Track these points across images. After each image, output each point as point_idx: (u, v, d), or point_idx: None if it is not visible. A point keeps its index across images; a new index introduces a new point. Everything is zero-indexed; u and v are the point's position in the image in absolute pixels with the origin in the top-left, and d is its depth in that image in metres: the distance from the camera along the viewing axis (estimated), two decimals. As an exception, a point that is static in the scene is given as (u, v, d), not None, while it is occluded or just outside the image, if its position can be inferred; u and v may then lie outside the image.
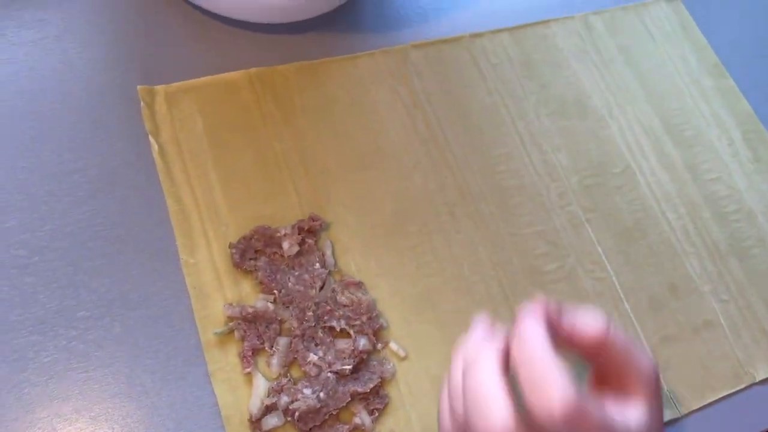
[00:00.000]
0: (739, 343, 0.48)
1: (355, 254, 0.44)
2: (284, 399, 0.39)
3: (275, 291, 0.41)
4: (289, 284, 0.42)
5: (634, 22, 0.58)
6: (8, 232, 0.40)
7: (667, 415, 0.44)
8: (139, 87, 0.46)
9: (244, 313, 0.40)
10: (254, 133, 0.47)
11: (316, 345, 0.40)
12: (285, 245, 0.42)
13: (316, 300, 0.41)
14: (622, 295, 0.47)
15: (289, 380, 0.39)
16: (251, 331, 0.40)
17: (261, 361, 0.40)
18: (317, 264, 0.42)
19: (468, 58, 0.53)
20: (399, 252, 0.45)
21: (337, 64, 0.50)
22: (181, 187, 0.44)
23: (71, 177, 0.43)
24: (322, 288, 0.42)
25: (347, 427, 0.39)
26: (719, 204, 0.52)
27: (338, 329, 0.41)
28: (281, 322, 0.41)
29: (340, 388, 0.39)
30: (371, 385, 0.40)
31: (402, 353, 0.42)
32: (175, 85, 0.47)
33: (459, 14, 0.55)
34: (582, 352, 0.32)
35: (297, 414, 0.38)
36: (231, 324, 0.40)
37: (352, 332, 0.41)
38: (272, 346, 0.40)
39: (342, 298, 0.42)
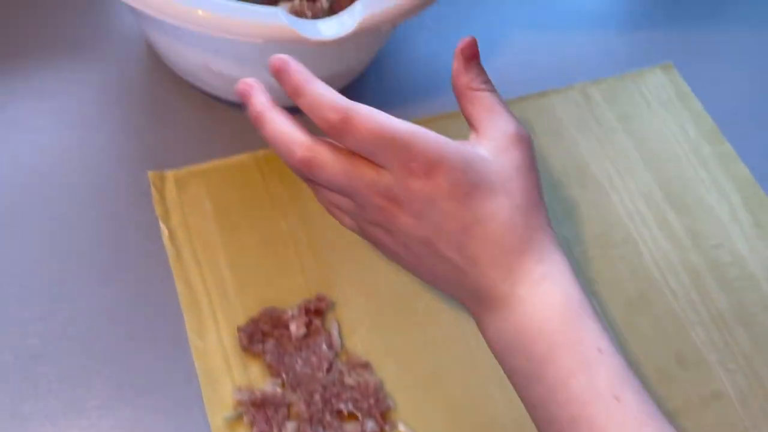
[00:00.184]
0: (747, 413, 0.47)
1: (363, 333, 0.45)
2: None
3: (283, 374, 0.42)
4: (297, 367, 0.42)
5: (631, 91, 0.60)
6: (22, 322, 0.41)
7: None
8: (149, 173, 0.47)
9: (252, 398, 0.41)
10: (262, 214, 0.48)
11: (324, 429, 0.41)
12: (292, 327, 0.43)
13: (324, 383, 0.42)
14: (628, 368, 0.47)
15: (298, 465, 0.40)
16: (260, 416, 0.41)
17: (270, 445, 0.41)
18: (324, 345, 0.43)
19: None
20: (406, 329, 0.46)
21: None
22: (191, 271, 0.45)
23: (83, 264, 0.44)
24: (329, 370, 0.42)
25: None
26: (722, 271, 0.52)
27: (346, 412, 0.41)
28: (289, 405, 0.41)
29: (349, 472, 0.40)
30: (380, 468, 0.40)
31: (410, 434, 0.42)
32: (184, 169, 0.48)
33: (459, 89, 0.57)
34: None
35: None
36: (240, 409, 0.41)
37: (359, 415, 0.41)
38: (280, 431, 0.40)
39: (349, 380, 0.42)
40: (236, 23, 0.37)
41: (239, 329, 0.43)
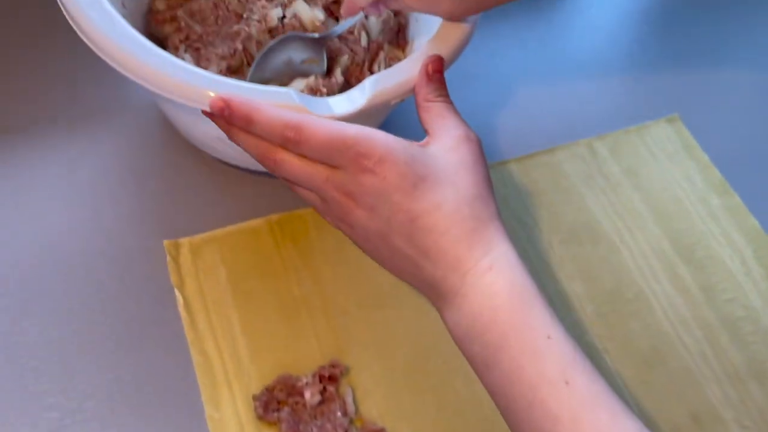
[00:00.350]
0: (768, 472, 0.47)
1: (377, 397, 0.45)
2: None
3: (299, 443, 0.42)
4: (312, 436, 0.42)
5: (637, 145, 0.60)
6: (41, 396, 0.42)
7: None
8: (165, 242, 0.48)
9: (269, 469, 0.41)
10: (275, 279, 0.48)
11: (341, 499, 0.41)
12: (307, 395, 0.43)
13: (339, 451, 0.42)
14: (644, 428, 0.47)
15: None
16: (276, 487, 0.40)
17: None
18: (339, 413, 0.43)
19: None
20: (420, 392, 0.46)
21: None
22: (206, 339, 0.45)
23: (100, 335, 0.44)
24: (344, 438, 0.43)
25: None
26: (736, 325, 0.52)
27: (362, 481, 0.41)
28: (305, 475, 0.41)
29: None
30: None
31: (426, 502, 0.42)
32: (199, 236, 0.49)
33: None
34: None
35: None
36: (256, 480, 0.41)
37: (375, 484, 0.41)
38: (297, 502, 0.40)
39: (365, 448, 0.42)
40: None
41: (254, 398, 0.43)
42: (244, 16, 0.48)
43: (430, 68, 0.40)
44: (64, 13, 0.40)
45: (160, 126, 0.53)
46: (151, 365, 0.44)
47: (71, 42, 0.40)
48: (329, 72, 0.48)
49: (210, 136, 0.46)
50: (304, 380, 0.44)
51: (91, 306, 0.45)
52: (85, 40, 0.39)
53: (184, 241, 0.49)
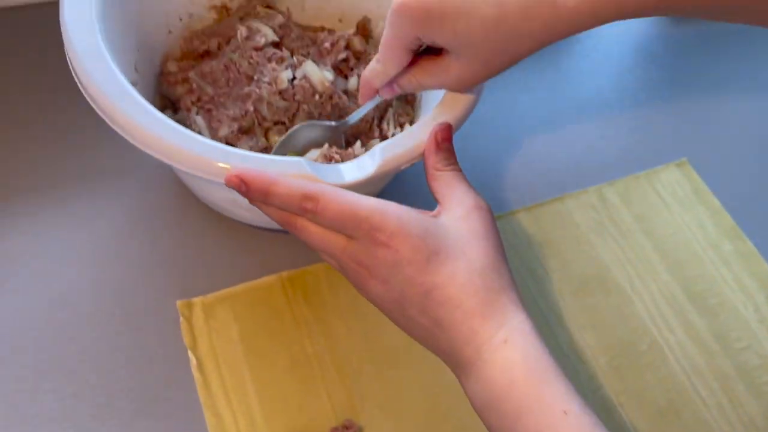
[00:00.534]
0: None
1: (391, 458, 0.45)
2: None
3: None
4: (327, 501, 0.42)
5: (646, 191, 0.60)
6: (56, 463, 0.42)
7: None
8: (178, 303, 0.48)
9: None
10: (287, 338, 0.49)
11: None
12: (321, 458, 0.43)
13: None
14: (662, 484, 0.47)
15: None
16: None
17: None
18: (354, 475, 0.43)
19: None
20: (434, 451, 0.46)
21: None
22: (219, 400, 0.45)
23: (114, 400, 0.44)
24: (359, 502, 0.42)
25: None
26: (752, 375, 0.52)
27: None
28: None
29: None
30: None
31: None
32: (211, 295, 0.49)
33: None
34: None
35: None
36: None
37: None
38: None
39: None
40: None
41: (268, 461, 0.43)
42: (255, 78, 0.49)
43: (438, 137, 0.41)
44: (81, 88, 0.40)
45: (172, 185, 0.53)
46: (166, 427, 0.44)
47: (85, 104, 0.41)
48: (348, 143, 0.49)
49: (223, 198, 0.46)
50: (318, 442, 0.44)
51: (105, 369, 0.45)
52: (102, 115, 0.39)
53: (197, 300, 0.49)
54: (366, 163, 0.40)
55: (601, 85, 0.66)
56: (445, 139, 0.41)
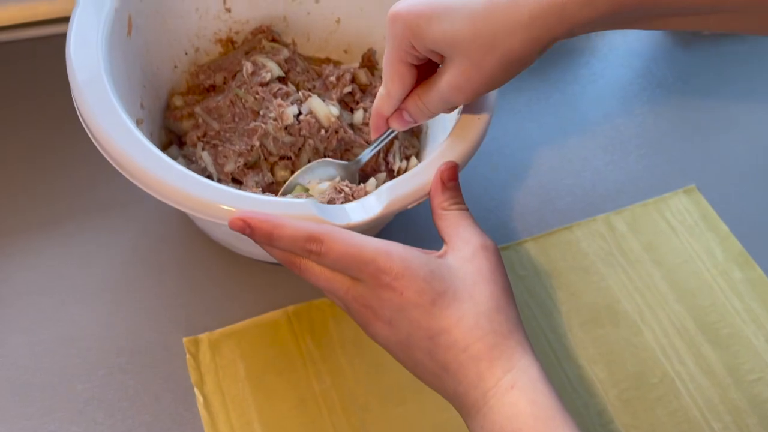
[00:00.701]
0: None
1: (399, 497, 0.44)
2: None
3: None
4: None
5: (655, 218, 0.60)
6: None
7: None
8: (184, 339, 0.48)
9: None
10: (294, 374, 0.48)
11: None
12: (329, 498, 0.43)
13: None
14: None
15: None
16: None
17: None
18: None
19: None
20: (443, 490, 0.45)
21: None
22: (226, 439, 0.45)
23: (121, 439, 0.44)
24: None
25: None
26: (765, 407, 0.51)
27: None
28: None
29: None
30: None
31: None
32: (218, 331, 0.49)
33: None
34: None
35: None
36: None
37: None
38: None
39: None
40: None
41: (276, 503, 0.43)
42: (261, 113, 0.49)
43: (444, 176, 0.40)
44: (85, 128, 0.40)
45: (176, 219, 0.53)
46: (172, 469, 0.44)
47: (88, 139, 0.41)
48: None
49: (228, 233, 0.46)
50: (326, 482, 0.43)
51: (113, 408, 0.45)
52: (111, 161, 0.39)
53: (203, 337, 0.49)
54: (372, 204, 0.40)
55: (607, 111, 0.66)
56: (451, 178, 0.40)
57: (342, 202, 0.43)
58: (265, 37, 0.53)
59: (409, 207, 0.41)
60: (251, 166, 0.48)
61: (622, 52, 0.71)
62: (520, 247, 0.57)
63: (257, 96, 0.49)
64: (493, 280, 0.37)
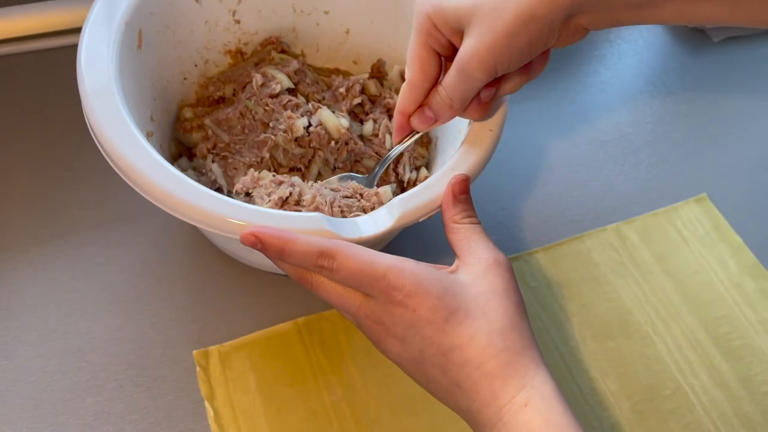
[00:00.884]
0: None
1: None
2: None
3: None
4: None
5: (666, 228, 0.59)
6: None
7: None
8: (194, 352, 0.48)
9: None
10: (304, 386, 0.48)
11: None
12: None
13: None
14: None
15: None
16: None
17: None
18: None
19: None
20: (454, 504, 0.45)
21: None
22: (237, 453, 0.45)
23: (132, 454, 0.44)
24: None
25: None
26: (779, 420, 0.51)
27: None
28: None
29: None
30: None
31: None
32: (228, 344, 0.49)
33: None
34: None
35: None
36: None
37: None
38: None
39: None
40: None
41: None
42: (271, 125, 0.48)
43: (456, 189, 0.40)
44: (96, 143, 0.40)
45: (186, 231, 0.53)
46: (183, 483, 0.43)
47: (97, 151, 0.41)
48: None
49: (238, 246, 0.46)
50: (337, 497, 0.43)
51: (123, 423, 0.45)
52: (121, 175, 0.39)
53: (213, 349, 0.48)
54: (383, 218, 0.39)
55: (617, 120, 0.66)
56: (462, 191, 0.40)
57: (357, 209, 0.43)
58: (275, 48, 0.53)
59: (421, 220, 0.40)
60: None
61: (631, 60, 0.70)
62: (530, 257, 0.56)
63: (267, 108, 0.49)
64: (506, 297, 0.36)
